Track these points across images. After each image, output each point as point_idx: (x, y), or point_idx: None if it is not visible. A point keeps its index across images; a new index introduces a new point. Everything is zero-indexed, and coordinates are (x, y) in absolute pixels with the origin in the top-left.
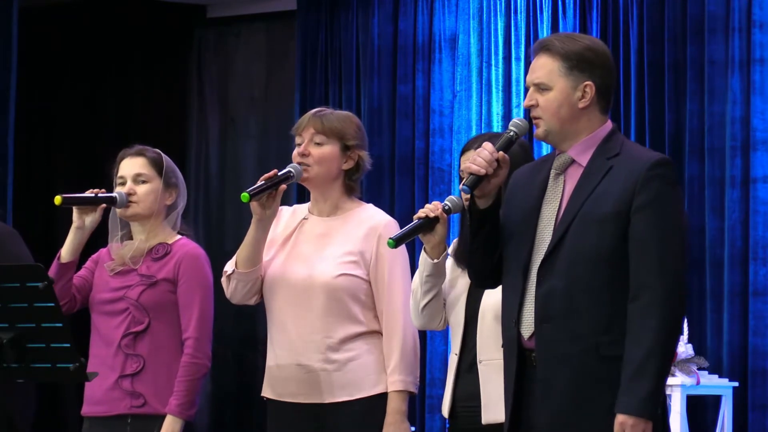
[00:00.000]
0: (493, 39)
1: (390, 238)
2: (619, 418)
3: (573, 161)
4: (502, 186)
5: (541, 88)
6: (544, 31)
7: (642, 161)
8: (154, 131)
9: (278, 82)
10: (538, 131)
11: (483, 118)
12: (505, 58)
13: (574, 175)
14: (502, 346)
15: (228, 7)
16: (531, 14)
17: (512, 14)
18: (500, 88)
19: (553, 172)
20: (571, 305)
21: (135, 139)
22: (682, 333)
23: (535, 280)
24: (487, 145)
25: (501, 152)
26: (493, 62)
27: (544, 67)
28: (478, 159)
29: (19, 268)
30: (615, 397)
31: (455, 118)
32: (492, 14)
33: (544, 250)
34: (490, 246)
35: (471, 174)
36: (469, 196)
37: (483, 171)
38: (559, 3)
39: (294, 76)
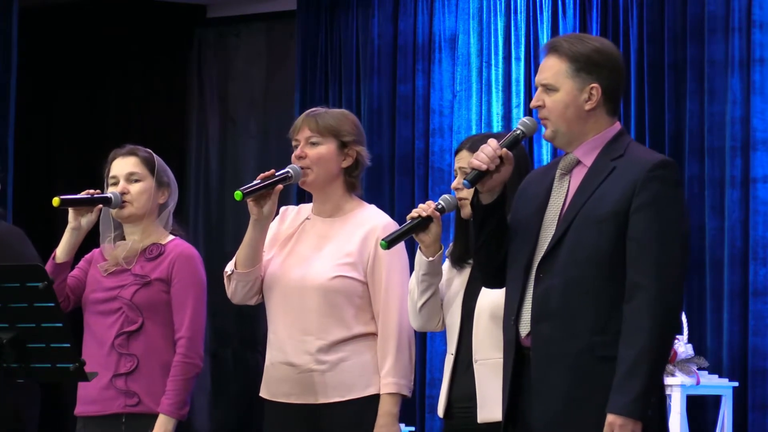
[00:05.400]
0: (493, 39)
1: (382, 239)
2: (609, 418)
3: (579, 162)
4: (507, 184)
5: (548, 89)
6: (544, 31)
7: (643, 163)
8: (154, 131)
9: (278, 82)
10: (546, 132)
11: (483, 118)
12: (505, 58)
13: (578, 176)
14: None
15: (228, 7)
16: (531, 14)
17: (512, 14)
18: (500, 88)
19: (558, 172)
20: (568, 304)
21: (135, 139)
22: (681, 333)
23: (534, 279)
24: (492, 141)
25: (505, 149)
26: (493, 62)
27: (552, 68)
28: (481, 155)
29: (19, 268)
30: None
31: (455, 118)
32: (492, 14)
33: (545, 249)
34: (495, 243)
35: (473, 169)
36: (462, 197)
37: (484, 167)
38: (559, 3)
39: (294, 76)
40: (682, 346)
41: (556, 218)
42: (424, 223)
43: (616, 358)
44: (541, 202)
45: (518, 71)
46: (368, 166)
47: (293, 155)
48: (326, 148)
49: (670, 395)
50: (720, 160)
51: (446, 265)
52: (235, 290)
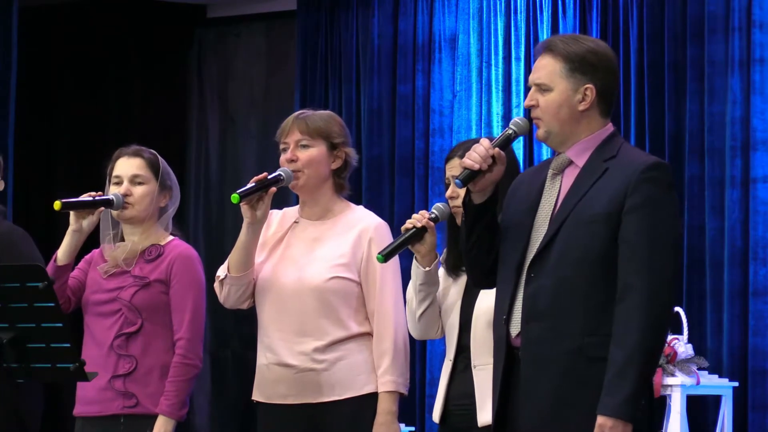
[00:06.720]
0: (493, 39)
1: (379, 253)
2: (599, 420)
3: (571, 162)
4: (499, 184)
5: (542, 88)
6: (544, 31)
7: (636, 164)
8: (154, 131)
9: (278, 82)
10: (539, 132)
11: (483, 118)
12: (505, 58)
13: (570, 176)
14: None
15: (228, 7)
16: (531, 14)
17: (512, 14)
18: (500, 88)
19: (550, 172)
20: (559, 305)
21: (135, 139)
22: (681, 332)
23: (525, 279)
24: (484, 141)
25: (497, 149)
26: (493, 62)
27: (546, 67)
28: (473, 154)
29: (19, 268)
30: (599, 399)
31: (455, 118)
32: (492, 14)
33: (536, 249)
34: (486, 243)
35: (465, 168)
36: (457, 202)
37: (477, 166)
38: (559, 3)
39: (294, 76)
40: (682, 346)
41: (548, 218)
42: (418, 233)
43: (607, 359)
44: (532, 202)
45: (518, 71)
46: (355, 167)
47: (283, 158)
48: (317, 151)
49: (670, 395)
50: (720, 160)
51: (442, 272)
52: (227, 294)
